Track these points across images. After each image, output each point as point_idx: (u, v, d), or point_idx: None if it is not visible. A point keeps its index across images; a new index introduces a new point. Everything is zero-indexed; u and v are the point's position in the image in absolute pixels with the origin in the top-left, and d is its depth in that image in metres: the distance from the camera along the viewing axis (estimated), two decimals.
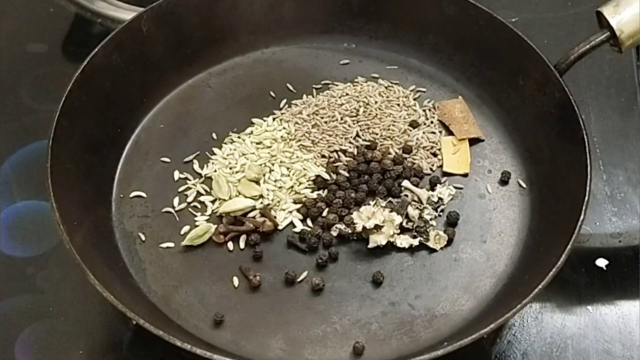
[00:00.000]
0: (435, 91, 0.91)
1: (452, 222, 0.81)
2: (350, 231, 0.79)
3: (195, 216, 0.81)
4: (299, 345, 0.74)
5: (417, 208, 0.81)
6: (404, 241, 0.79)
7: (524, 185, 0.84)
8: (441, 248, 0.80)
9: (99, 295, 0.69)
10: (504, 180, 0.84)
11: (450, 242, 0.80)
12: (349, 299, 0.77)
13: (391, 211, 0.80)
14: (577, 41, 0.83)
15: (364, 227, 0.78)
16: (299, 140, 0.86)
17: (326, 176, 0.83)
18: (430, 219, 0.81)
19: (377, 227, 0.78)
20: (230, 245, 0.80)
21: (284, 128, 0.87)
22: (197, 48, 0.91)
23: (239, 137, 0.86)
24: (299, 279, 0.78)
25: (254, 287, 0.77)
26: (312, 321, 0.76)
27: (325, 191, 0.83)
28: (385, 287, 0.78)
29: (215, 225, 0.80)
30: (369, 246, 0.79)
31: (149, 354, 0.76)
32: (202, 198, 0.82)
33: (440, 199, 0.82)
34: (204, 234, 0.79)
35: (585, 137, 0.79)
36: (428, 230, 0.80)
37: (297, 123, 0.87)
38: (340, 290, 0.77)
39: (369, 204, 0.81)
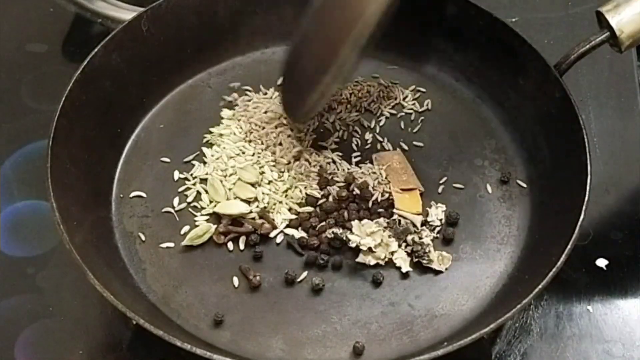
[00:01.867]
0: (435, 91, 0.91)
1: (452, 222, 0.81)
2: (344, 238, 0.78)
3: (195, 216, 0.81)
4: (299, 345, 0.74)
5: (415, 232, 0.80)
6: (402, 262, 0.78)
7: (524, 185, 0.84)
8: (444, 264, 0.79)
9: (99, 295, 0.69)
10: (504, 180, 0.84)
11: (450, 242, 0.80)
12: (349, 299, 0.77)
13: (390, 236, 0.79)
14: (577, 41, 0.83)
15: (357, 245, 0.78)
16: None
17: (317, 194, 0.82)
18: (428, 243, 0.79)
19: (370, 249, 0.78)
20: (230, 245, 0.80)
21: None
22: (197, 48, 0.91)
23: (221, 136, 0.86)
24: (299, 279, 0.78)
25: (254, 287, 0.77)
26: (312, 321, 0.76)
27: (318, 208, 0.82)
28: (385, 287, 0.78)
29: (215, 225, 0.80)
30: (357, 260, 0.78)
31: (149, 354, 0.76)
32: (202, 197, 0.82)
33: (439, 219, 0.81)
34: (204, 234, 0.79)
35: (585, 137, 0.79)
36: (427, 252, 0.78)
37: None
38: (340, 290, 0.77)
39: (370, 220, 0.80)
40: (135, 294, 0.76)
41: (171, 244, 0.80)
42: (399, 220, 0.80)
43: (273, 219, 0.80)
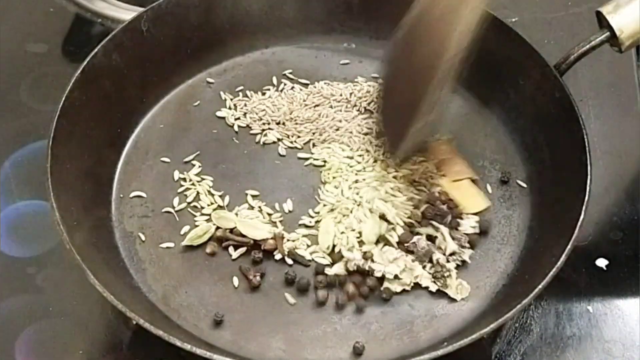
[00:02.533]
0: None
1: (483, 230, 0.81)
2: (367, 268, 0.76)
3: (195, 216, 0.81)
4: (299, 345, 0.74)
5: (442, 253, 0.77)
6: (429, 282, 0.76)
7: (524, 185, 0.84)
8: (461, 294, 0.77)
9: (99, 295, 0.69)
10: (504, 180, 0.84)
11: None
12: None
13: (414, 260, 0.77)
14: (577, 41, 0.83)
15: (383, 275, 0.76)
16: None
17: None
18: (450, 268, 0.77)
19: (396, 277, 0.76)
20: (230, 248, 0.79)
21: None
22: (197, 48, 0.91)
23: None
24: (298, 279, 0.78)
25: (254, 287, 0.77)
26: (312, 321, 0.76)
27: None
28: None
29: (216, 225, 0.80)
30: (382, 287, 0.76)
31: (149, 354, 0.76)
32: (202, 198, 0.82)
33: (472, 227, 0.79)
34: (204, 234, 0.79)
35: (585, 137, 0.79)
36: (446, 276, 0.76)
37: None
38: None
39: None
40: (135, 294, 0.76)
41: (171, 244, 0.80)
42: (420, 243, 0.78)
43: (284, 240, 0.79)
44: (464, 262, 0.78)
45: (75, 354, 0.76)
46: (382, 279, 0.76)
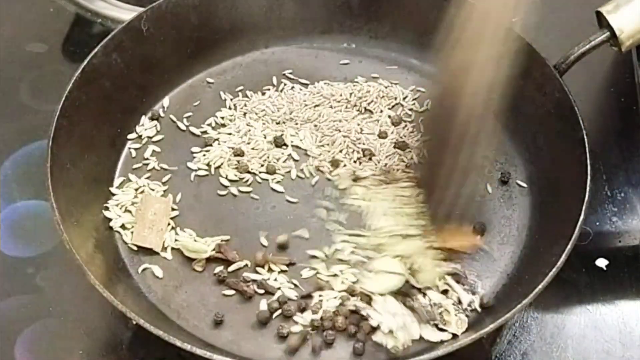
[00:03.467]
0: (435, 91, 0.91)
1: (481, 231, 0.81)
2: (365, 314, 0.73)
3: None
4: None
5: (443, 292, 0.75)
6: (431, 334, 0.73)
7: (524, 185, 0.84)
8: (461, 328, 0.74)
9: (99, 295, 0.69)
10: (503, 180, 0.84)
11: None
12: None
13: (413, 322, 0.73)
14: (577, 41, 0.83)
15: (378, 326, 0.72)
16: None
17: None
18: (448, 309, 0.74)
19: (390, 332, 0.73)
20: None
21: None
22: (197, 48, 0.91)
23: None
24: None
25: (249, 297, 0.76)
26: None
27: None
28: None
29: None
30: (374, 338, 0.73)
31: (149, 354, 0.76)
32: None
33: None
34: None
35: (585, 137, 0.79)
36: (442, 314, 0.73)
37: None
38: None
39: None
40: (135, 294, 0.76)
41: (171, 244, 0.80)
42: (424, 302, 0.75)
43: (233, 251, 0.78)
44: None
45: (75, 354, 0.76)
46: (375, 328, 0.73)
